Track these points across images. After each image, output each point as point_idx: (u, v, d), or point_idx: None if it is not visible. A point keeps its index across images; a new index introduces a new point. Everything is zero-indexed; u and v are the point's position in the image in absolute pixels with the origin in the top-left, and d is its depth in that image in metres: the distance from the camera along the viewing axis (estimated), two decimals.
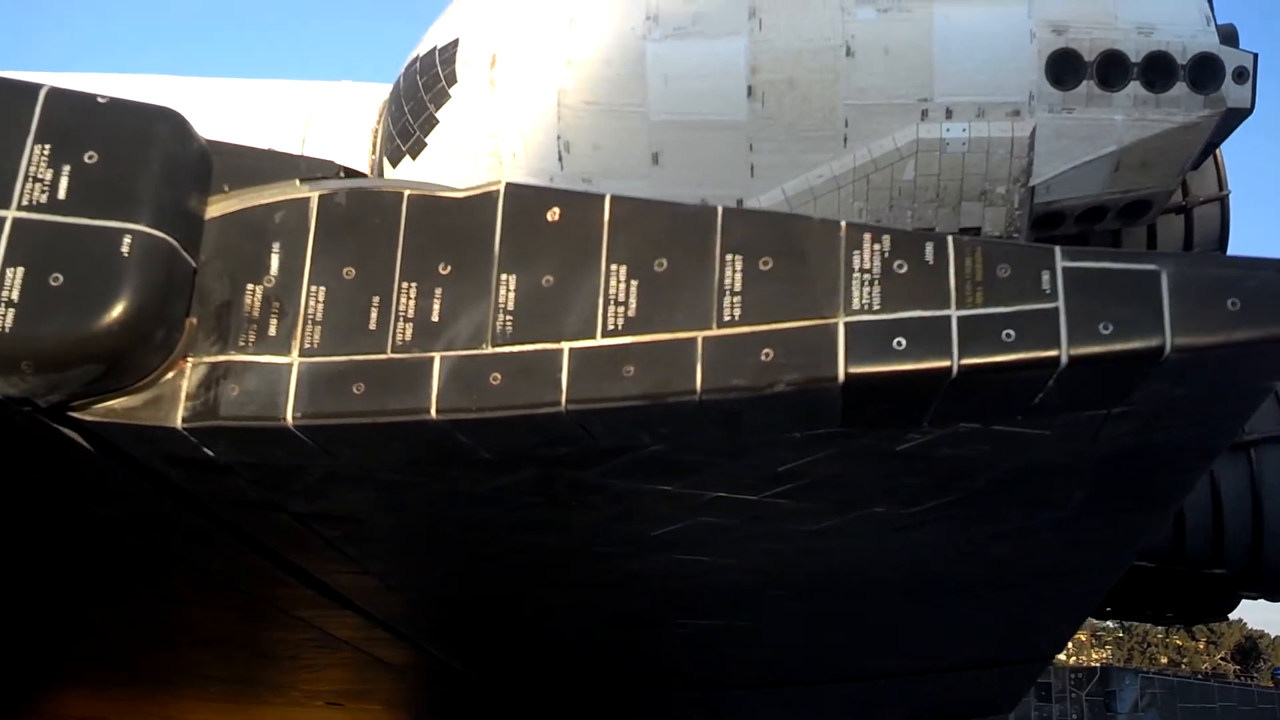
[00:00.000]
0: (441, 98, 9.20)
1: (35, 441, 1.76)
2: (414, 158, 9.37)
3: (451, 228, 1.70)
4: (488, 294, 1.66)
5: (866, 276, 1.60)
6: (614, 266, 1.65)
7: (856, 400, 1.63)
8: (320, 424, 1.67)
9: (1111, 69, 8.41)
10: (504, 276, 1.66)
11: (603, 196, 1.68)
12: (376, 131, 9.81)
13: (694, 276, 1.63)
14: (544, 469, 1.90)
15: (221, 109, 10.16)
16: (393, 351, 1.66)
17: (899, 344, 1.57)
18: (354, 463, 1.85)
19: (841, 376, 1.57)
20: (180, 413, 1.68)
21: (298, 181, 1.76)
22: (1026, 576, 3.02)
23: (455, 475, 1.91)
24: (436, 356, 1.65)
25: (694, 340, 1.60)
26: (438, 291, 1.67)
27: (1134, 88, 8.40)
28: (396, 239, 1.71)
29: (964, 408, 1.67)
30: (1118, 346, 1.56)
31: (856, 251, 1.61)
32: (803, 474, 1.97)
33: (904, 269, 1.60)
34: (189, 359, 1.70)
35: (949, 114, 8.62)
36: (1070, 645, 41.04)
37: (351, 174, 1.79)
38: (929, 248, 1.60)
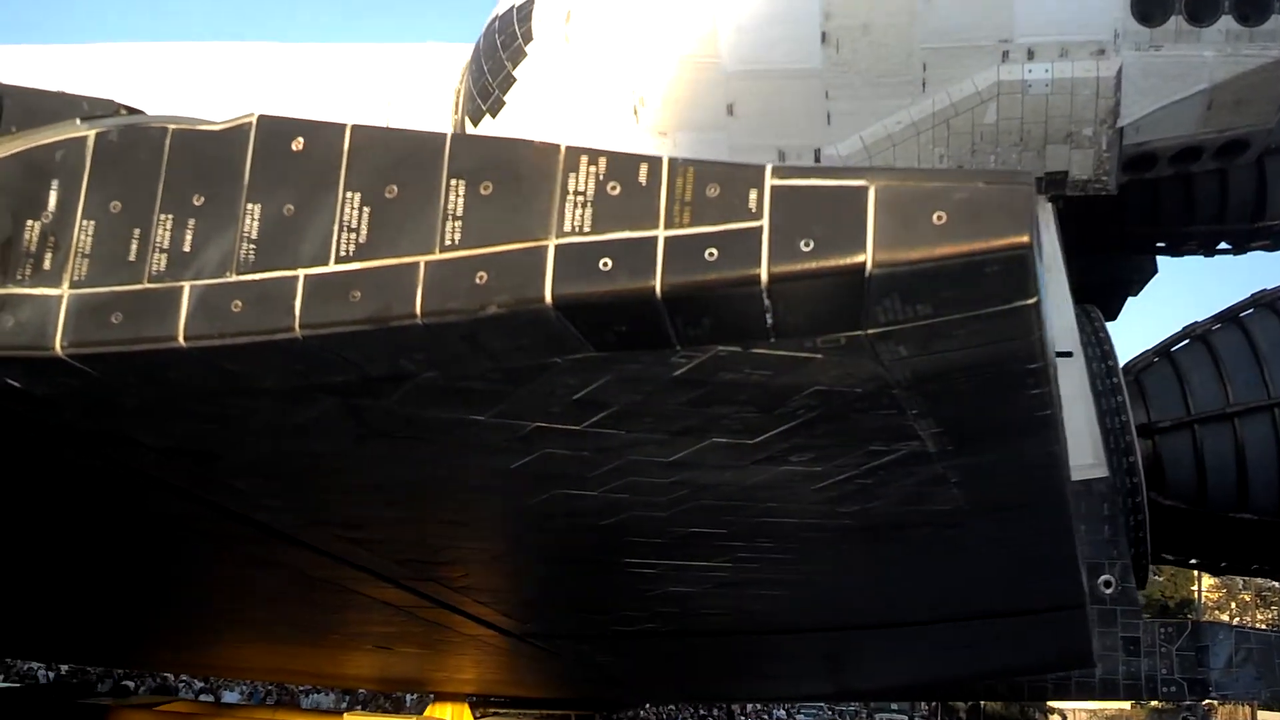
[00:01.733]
0: (518, 55, 9.31)
1: None
2: (494, 116, 9.51)
3: (208, 160, 1.76)
4: (235, 223, 1.72)
5: (580, 199, 1.61)
6: (349, 194, 1.69)
7: (585, 322, 1.64)
8: (87, 353, 1.75)
9: (1201, 2, 8.02)
10: (250, 206, 1.72)
11: (345, 126, 1.72)
12: (459, 91, 9.97)
13: (420, 202, 1.66)
14: (341, 400, 1.96)
15: (309, 74, 10.45)
16: (148, 281, 1.73)
17: (605, 265, 1.58)
18: (155, 394, 1.94)
19: (549, 298, 1.58)
20: None
21: (78, 121, 1.84)
22: (956, 516, 2.96)
23: (256, 406, 1.98)
24: (186, 286, 1.72)
25: (416, 265, 1.64)
26: (191, 222, 1.74)
27: (1225, 22, 7.99)
28: (159, 173, 1.77)
29: (702, 329, 1.67)
30: (817, 264, 1.54)
31: (573, 174, 1.62)
32: (606, 402, 1.99)
33: (617, 190, 1.60)
34: None
35: (1030, 55, 8.35)
36: (1233, 605, 39.22)
37: (132, 112, 1.86)
38: (643, 169, 1.60)
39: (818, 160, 9.09)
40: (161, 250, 1.73)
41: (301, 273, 1.67)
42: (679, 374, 1.85)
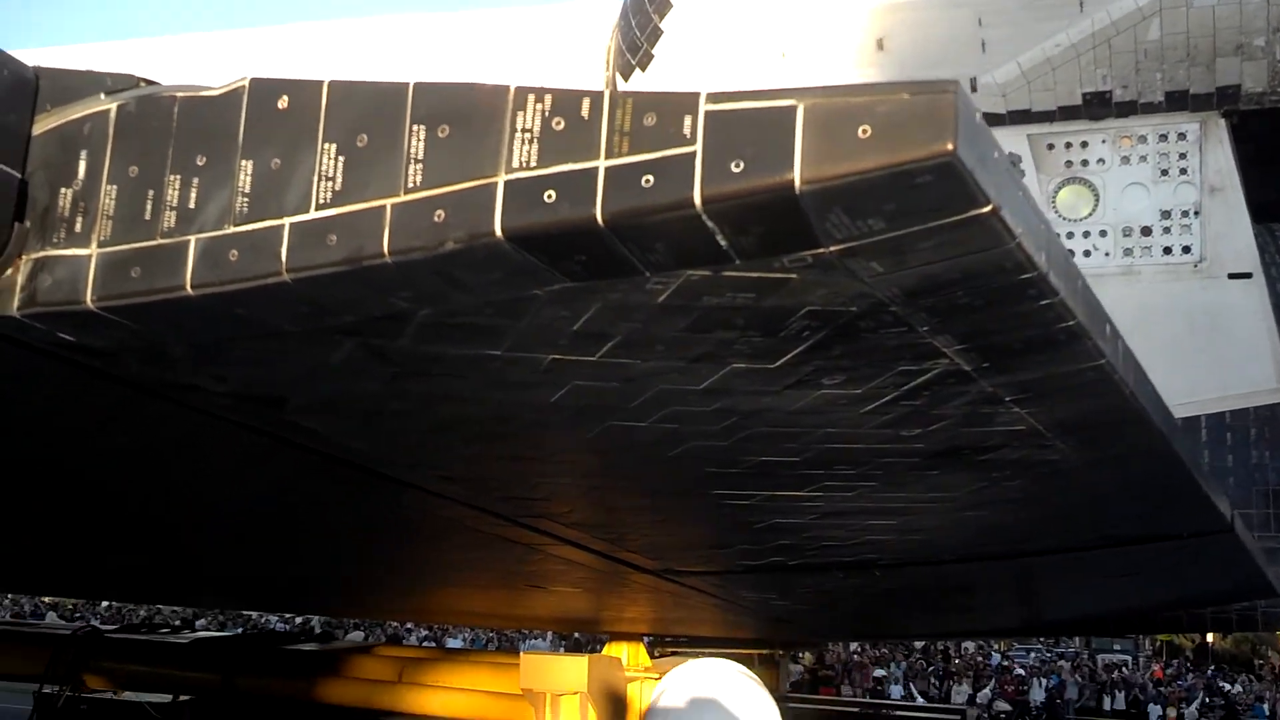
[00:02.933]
0: (665, 8, 9.34)
1: None
2: (643, 70, 9.60)
3: (209, 123, 1.90)
4: (231, 179, 1.86)
5: (527, 135, 1.68)
6: (326, 145, 1.80)
7: (543, 253, 1.72)
8: (114, 305, 1.92)
9: None
10: (243, 163, 1.85)
11: (322, 82, 1.83)
12: (610, 49, 10.08)
13: (387, 149, 1.76)
14: (359, 340, 2.09)
15: (470, 39, 10.72)
16: (160, 237, 1.89)
17: (549, 197, 1.65)
18: (199, 339, 2.11)
19: (499, 232, 1.67)
20: (15, 303, 1.98)
21: (102, 95, 2.00)
22: (1035, 438, 2.94)
23: (285, 349, 2.13)
24: (191, 239, 1.86)
25: (383, 208, 1.74)
26: (195, 181, 1.88)
27: None
28: (169, 137, 1.92)
29: (660, 255, 1.73)
30: (747, 184, 1.58)
31: (520, 112, 1.69)
32: (607, 332, 2.07)
33: (561, 125, 1.67)
34: (22, 257, 1.99)
35: None
36: None
37: (149, 84, 2.01)
38: (585, 103, 1.66)
39: (974, 91, 8.87)
40: (171, 208, 1.88)
41: (287, 221, 1.80)
42: (663, 300, 1.91)
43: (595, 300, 1.90)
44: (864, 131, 1.54)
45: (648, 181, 1.61)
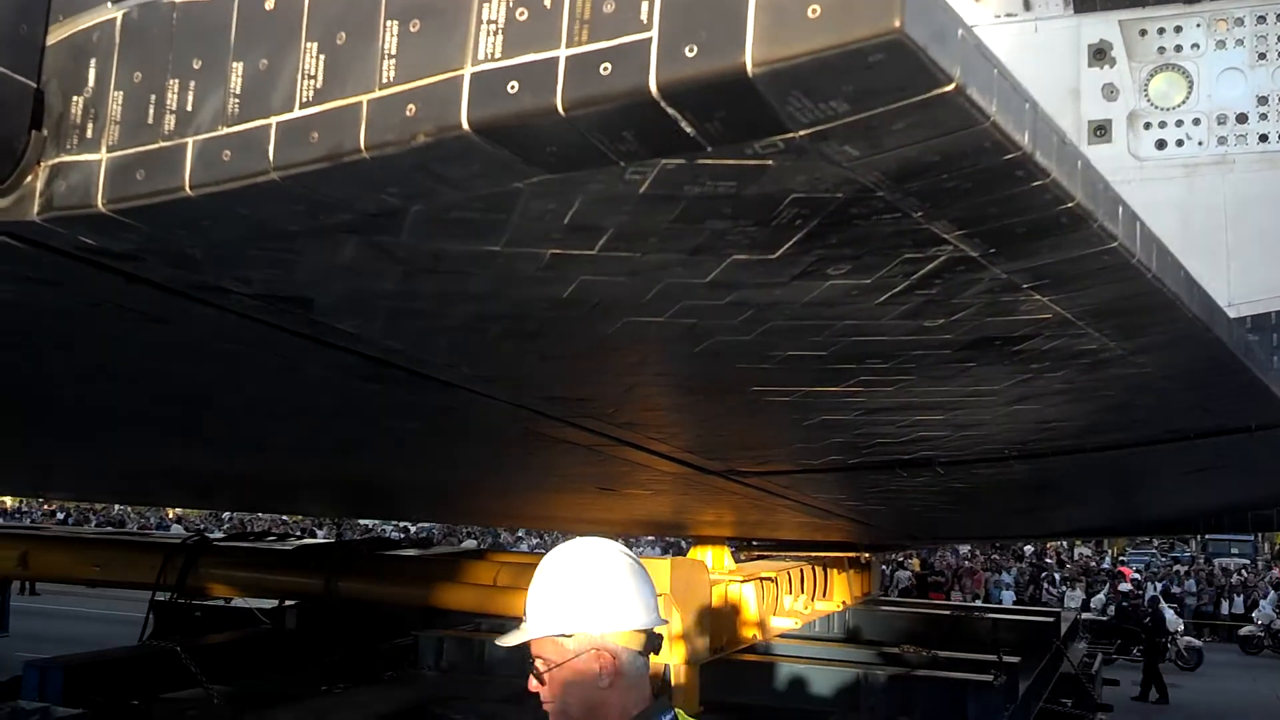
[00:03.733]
0: None
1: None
2: None
3: (204, 27, 1.97)
4: (224, 81, 1.92)
5: (493, 27, 1.72)
6: (309, 44, 1.86)
7: (513, 144, 1.77)
8: (123, 207, 2.01)
9: None
10: (234, 64, 1.92)
11: None
12: None
13: (364, 46, 1.81)
14: (362, 238, 2.16)
15: None
16: (161, 140, 1.97)
17: (512, 88, 1.69)
18: (206, 242, 2.20)
19: (466, 124, 1.72)
20: (35, 208, 2.08)
21: (109, 3, 2.08)
22: (1065, 327, 2.92)
23: (294, 249, 2.21)
24: (189, 141, 1.94)
25: (360, 104, 1.80)
26: (191, 84, 1.96)
27: None
28: (169, 43, 2.00)
29: (629, 144, 1.76)
30: (700, 69, 1.60)
31: (486, 5, 1.73)
32: (599, 225, 2.11)
33: (524, 16, 1.70)
34: (40, 164, 2.09)
35: None
36: None
37: None
38: None
39: None
40: (171, 112, 1.96)
41: (274, 120, 1.86)
42: (645, 191, 1.94)
43: (578, 192, 1.94)
44: (814, 11, 1.55)
45: (605, 69, 1.63)
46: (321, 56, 1.84)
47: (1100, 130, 8.09)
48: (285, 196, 1.92)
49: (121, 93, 2.02)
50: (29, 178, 2.08)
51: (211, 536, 13.11)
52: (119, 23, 2.05)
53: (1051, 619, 13.50)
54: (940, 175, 1.95)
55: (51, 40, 2.10)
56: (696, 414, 4.08)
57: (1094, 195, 2.24)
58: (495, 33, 1.71)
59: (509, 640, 2.43)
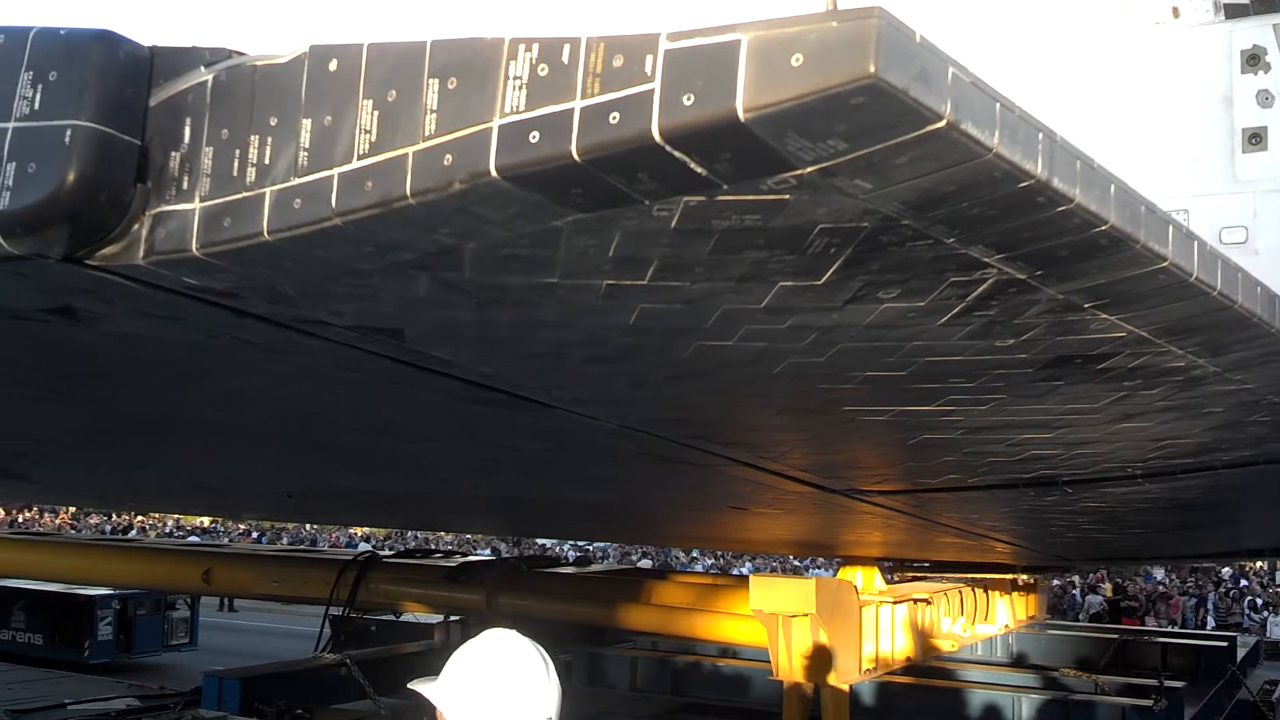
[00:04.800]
0: None
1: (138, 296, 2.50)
2: None
3: (280, 88, 2.18)
4: (296, 137, 2.14)
5: (518, 83, 1.88)
6: (365, 102, 2.05)
7: (542, 188, 1.93)
8: (213, 251, 2.24)
9: None
10: (304, 121, 2.13)
11: (362, 45, 2.08)
12: None
13: (410, 102, 2.00)
14: (430, 275, 2.35)
15: None
16: (244, 191, 2.19)
17: (533, 138, 1.85)
18: (299, 279, 2.42)
19: (494, 172, 1.88)
20: (141, 253, 2.33)
21: (202, 68, 2.32)
22: (1142, 345, 2.94)
23: (374, 284, 2.42)
24: (267, 191, 2.16)
25: (406, 155, 1.98)
26: (270, 140, 2.17)
27: None
28: (251, 102, 2.22)
29: (647, 185, 1.90)
30: (697, 116, 1.73)
31: (513, 61, 1.89)
32: (644, 257, 2.26)
33: (545, 71, 1.86)
34: (145, 213, 2.34)
35: None
36: None
37: (238, 55, 2.31)
38: (566, 49, 1.85)
39: None
40: (252, 164, 2.18)
41: (335, 171, 2.06)
42: (676, 225, 2.08)
43: (614, 228, 2.09)
44: (797, 60, 1.66)
45: (614, 119, 1.78)
46: (376, 113, 2.03)
47: (1255, 138, 7.86)
48: (350, 239, 2.11)
49: (211, 148, 2.24)
50: (135, 225, 2.32)
51: (380, 553, 13.64)
52: (210, 85, 2.28)
53: (1226, 644, 13.01)
54: (961, 203, 2.04)
55: (154, 102, 2.34)
56: (797, 433, 4.17)
57: (1133, 217, 2.28)
58: (520, 88, 1.87)
59: (419, 685, 2.62)
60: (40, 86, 2.29)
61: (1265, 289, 2.92)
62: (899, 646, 10.05)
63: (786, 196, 1.95)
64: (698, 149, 1.79)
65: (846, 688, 9.03)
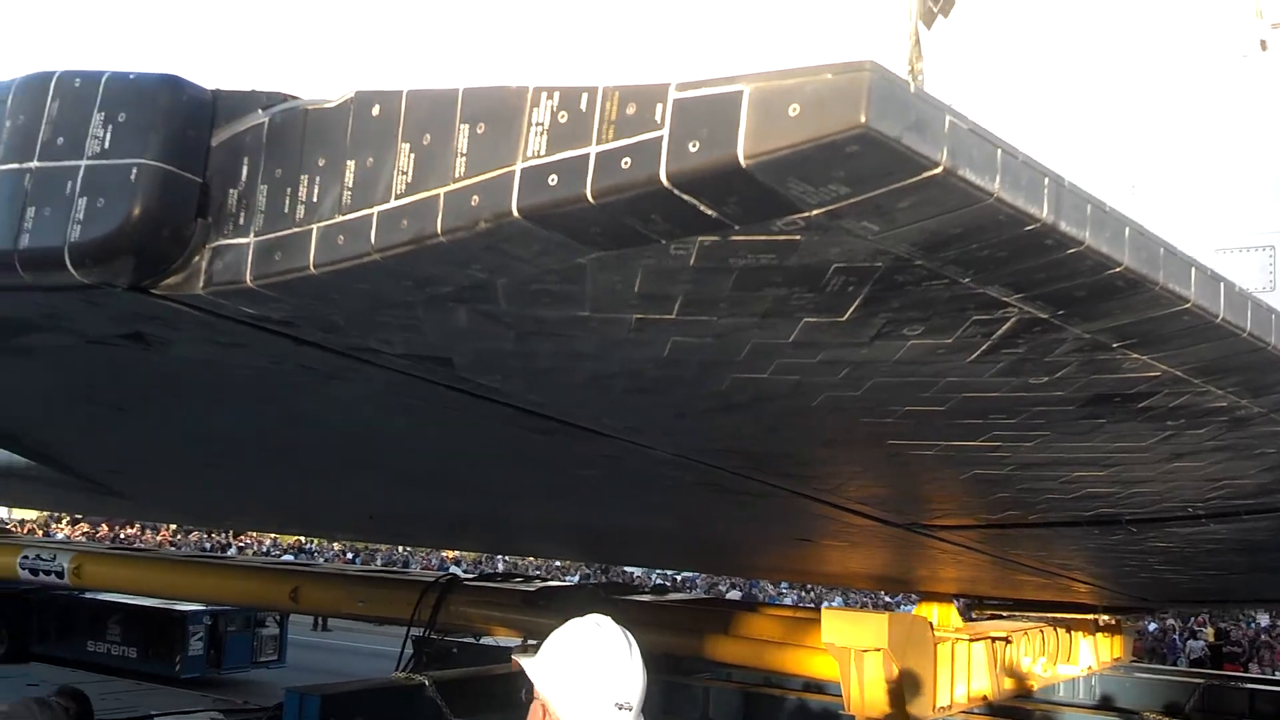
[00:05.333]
0: None
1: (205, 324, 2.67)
2: (946, 16, 9.49)
3: (328, 130, 2.33)
4: (340, 177, 2.28)
5: (539, 129, 2.00)
6: (403, 145, 2.19)
7: (562, 228, 2.04)
8: (266, 283, 2.39)
9: None
10: (348, 162, 2.27)
11: (402, 91, 2.22)
12: None
13: (442, 146, 2.13)
14: (469, 308, 2.48)
15: None
16: (294, 226, 2.34)
17: (552, 180, 1.97)
18: (347, 310, 2.56)
19: (516, 212, 2.00)
20: (201, 283, 2.49)
21: (259, 110, 2.47)
22: (1180, 385, 2.97)
23: (417, 316, 2.55)
24: (314, 228, 2.30)
25: (438, 197, 2.11)
26: (318, 179, 2.32)
27: None
28: (301, 143, 2.37)
29: (660, 225, 2.00)
30: (701, 162, 1.84)
31: (535, 109, 2.01)
32: (668, 293, 2.36)
33: (565, 118, 1.98)
34: (205, 246, 2.49)
35: None
36: None
37: (292, 99, 2.47)
38: (584, 97, 1.96)
39: None
40: (301, 202, 2.32)
41: (376, 210, 2.19)
42: (695, 264, 2.18)
43: (635, 265, 2.19)
44: (794, 110, 1.76)
45: (626, 163, 1.89)
46: (412, 155, 2.16)
47: None
48: (389, 273, 2.24)
49: (265, 185, 2.39)
50: (196, 258, 2.48)
51: (461, 575, 13.83)
52: (266, 126, 2.43)
53: None
54: (970, 245, 2.11)
55: (215, 141, 2.50)
56: (846, 466, 4.23)
57: (1150, 259, 2.32)
58: (541, 133, 1.98)
59: (521, 658, 2.78)
60: (111, 127, 2.46)
61: None
62: (976, 685, 9.96)
63: (797, 237, 2.04)
64: (705, 192, 1.89)
65: None
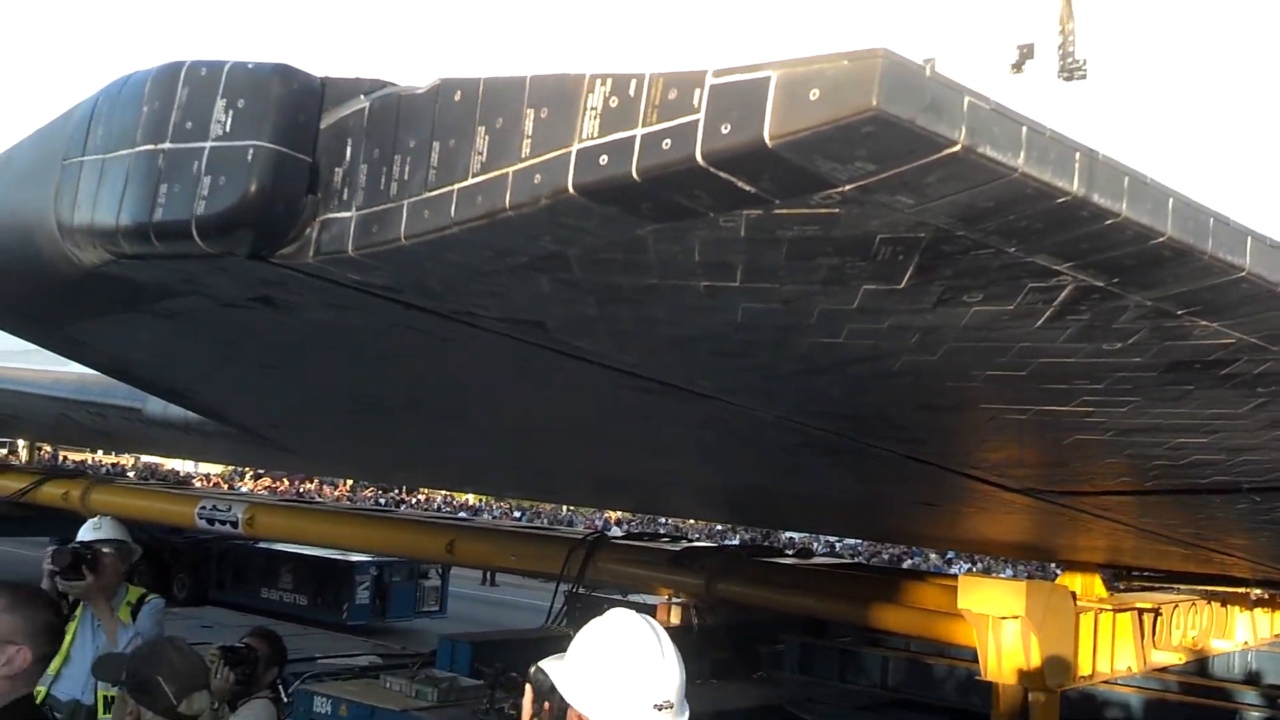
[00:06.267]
0: None
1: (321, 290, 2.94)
2: None
3: (417, 114, 2.56)
4: (428, 157, 2.50)
5: (593, 112, 2.18)
6: (479, 128, 2.40)
7: (616, 203, 2.23)
8: (365, 252, 2.64)
9: None
10: (434, 144, 2.49)
11: (479, 79, 2.43)
12: None
13: (511, 129, 2.33)
14: (548, 276, 2.69)
15: None
16: (388, 202, 2.57)
17: (603, 160, 2.15)
18: (443, 277, 2.80)
19: (571, 189, 2.20)
20: (311, 253, 2.75)
21: (361, 96, 2.71)
22: (1243, 349, 3.00)
23: (504, 284, 2.77)
24: (405, 203, 2.53)
25: (507, 175, 2.32)
26: (408, 159, 2.55)
27: None
28: (395, 126, 2.60)
29: (705, 201, 2.18)
30: (729, 142, 2.00)
31: (590, 94, 2.20)
32: (727, 261, 2.52)
33: (616, 103, 2.16)
34: (316, 219, 2.75)
35: None
36: None
37: (389, 85, 2.70)
38: (633, 83, 2.14)
39: None
40: (394, 180, 2.55)
41: (455, 187, 2.41)
42: (746, 235, 2.34)
43: (692, 237, 2.37)
44: (814, 94, 1.90)
45: (666, 144, 2.06)
46: (487, 137, 2.37)
47: None
48: (469, 244, 2.46)
49: (365, 165, 2.63)
50: (307, 230, 2.74)
51: (610, 535, 14.18)
52: (367, 111, 2.67)
53: None
54: (1007, 216, 2.22)
55: (324, 125, 2.75)
56: (945, 429, 4.31)
57: (1198, 229, 2.39)
58: (595, 117, 2.17)
59: (547, 664, 2.75)
60: (232, 112, 2.73)
61: None
62: (1120, 656, 9.87)
63: (837, 210, 2.18)
64: (740, 170, 2.04)
65: (1057, 693, 8.97)
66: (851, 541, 36.56)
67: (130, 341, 4.66)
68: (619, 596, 13.77)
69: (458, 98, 2.46)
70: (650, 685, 2.63)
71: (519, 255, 2.52)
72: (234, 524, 14.73)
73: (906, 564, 31.23)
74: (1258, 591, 11.06)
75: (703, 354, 3.33)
